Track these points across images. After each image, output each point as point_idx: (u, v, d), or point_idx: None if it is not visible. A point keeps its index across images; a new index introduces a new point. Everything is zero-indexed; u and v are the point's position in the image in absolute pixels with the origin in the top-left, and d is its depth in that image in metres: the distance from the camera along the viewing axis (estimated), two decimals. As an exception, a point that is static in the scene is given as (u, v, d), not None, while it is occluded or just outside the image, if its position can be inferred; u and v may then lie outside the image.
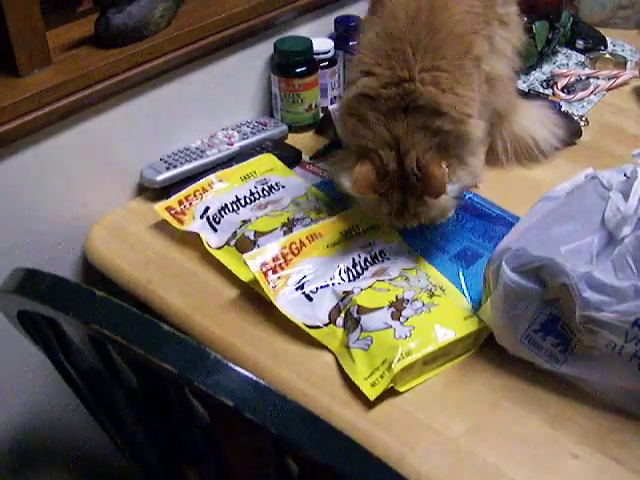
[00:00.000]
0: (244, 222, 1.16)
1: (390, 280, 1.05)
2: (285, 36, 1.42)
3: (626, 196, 0.94)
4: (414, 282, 1.05)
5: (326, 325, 1.01)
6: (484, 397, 0.95)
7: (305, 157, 1.35)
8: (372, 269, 1.08)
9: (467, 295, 1.06)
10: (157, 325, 0.73)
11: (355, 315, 0.99)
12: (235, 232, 1.15)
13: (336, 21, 1.50)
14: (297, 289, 1.03)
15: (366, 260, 1.09)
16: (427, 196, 1.02)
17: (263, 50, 1.42)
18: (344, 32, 1.48)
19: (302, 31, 1.47)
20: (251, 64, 1.41)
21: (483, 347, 1.00)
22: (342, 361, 0.98)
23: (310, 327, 1.01)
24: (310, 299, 1.03)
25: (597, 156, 1.35)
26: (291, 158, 1.33)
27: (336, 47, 1.45)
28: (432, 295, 1.02)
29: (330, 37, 1.49)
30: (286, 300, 1.02)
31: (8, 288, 0.83)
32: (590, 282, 0.88)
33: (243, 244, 1.12)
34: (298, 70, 1.38)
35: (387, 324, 0.98)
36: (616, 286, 0.88)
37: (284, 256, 1.06)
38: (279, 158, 1.30)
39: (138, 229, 1.22)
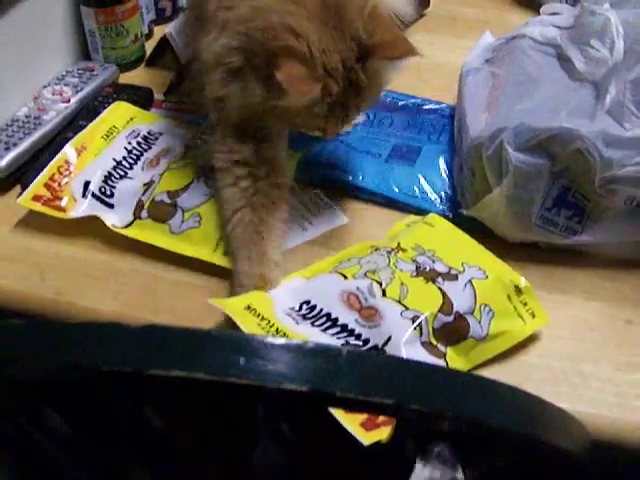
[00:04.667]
0: (146, 186, 0.94)
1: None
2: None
3: (603, 42, 0.86)
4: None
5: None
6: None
7: (158, 95, 1.13)
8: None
9: (431, 198, 0.95)
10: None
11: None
12: (140, 201, 0.93)
13: None
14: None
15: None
16: (389, 56, 0.86)
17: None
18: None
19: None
20: (48, 3, 1.13)
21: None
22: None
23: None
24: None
25: (454, 22, 1.27)
26: (143, 100, 1.10)
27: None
28: None
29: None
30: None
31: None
32: (606, 140, 0.81)
33: (159, 211, 0.91)
34: (118, -5, 1.13)
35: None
36: (632, 137, 0.81)
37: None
38: (131, 103, 1.07)
39: (5, 236, 0.95)
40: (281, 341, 0.54)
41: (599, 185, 0.82)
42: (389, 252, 0.84)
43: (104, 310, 0.86)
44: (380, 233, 0.91)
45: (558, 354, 0.81)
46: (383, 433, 0.65)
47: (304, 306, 0.81)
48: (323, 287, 0.83)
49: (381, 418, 0.67)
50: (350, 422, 0.69)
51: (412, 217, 0.93)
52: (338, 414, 0.70)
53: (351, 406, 0.55)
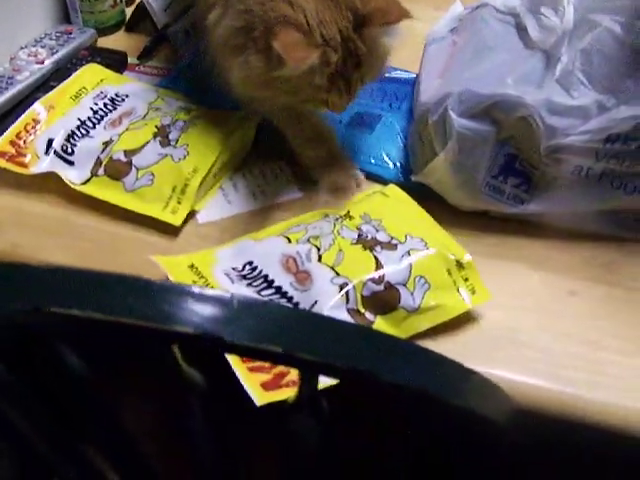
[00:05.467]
0: (105, 144, 0.95)
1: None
2: None
3: (556, 10, 0.85)
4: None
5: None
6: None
7: (132, 59, 1.14)
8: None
9: (388, 165, 0.95)
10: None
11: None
12: (98, 159, 0.94)
13: None
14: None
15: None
16: (385, 22, 0.85)
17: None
18: None
19: None
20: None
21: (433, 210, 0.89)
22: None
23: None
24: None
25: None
26: (117, 63, 1.12)
27: None
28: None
29: None
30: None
31: None
32: (550, 107, 0.81)
33: (115, 169, 0.93)
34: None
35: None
36: (577, 105, 0.81)
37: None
38: (104, 66, 1.09)
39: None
40: (173, 285, 0.55)
41: (544, 154, 0.82)
42: (337, 219, 0.85)
43: (58, 264, 0.88)
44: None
45: (497, 322, 0.81)
46: (284, 394, 0.66)
47: (247, 267, 0.82)
48: (267, 250, 0.84)
49: (287, 379, 0.68)
50: (249, 380, 0.70)
51: (375, 187, 0.94)
52: (239, 370, 0.71)
53: (241, 352, 0.56)
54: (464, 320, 0.80)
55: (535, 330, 0.80)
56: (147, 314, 0.52)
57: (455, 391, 0.61)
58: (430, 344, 0.78)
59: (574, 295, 0.84)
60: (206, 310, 0.52)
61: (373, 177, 0.95)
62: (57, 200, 0.95)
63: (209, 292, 0.55)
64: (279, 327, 0.54)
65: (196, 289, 0.53)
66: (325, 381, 0.60)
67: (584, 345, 0.79)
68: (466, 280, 0.80)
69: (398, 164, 0.94)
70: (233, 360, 0.70)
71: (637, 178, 0.83)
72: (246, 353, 0.57)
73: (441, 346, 0.78)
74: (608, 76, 0.81)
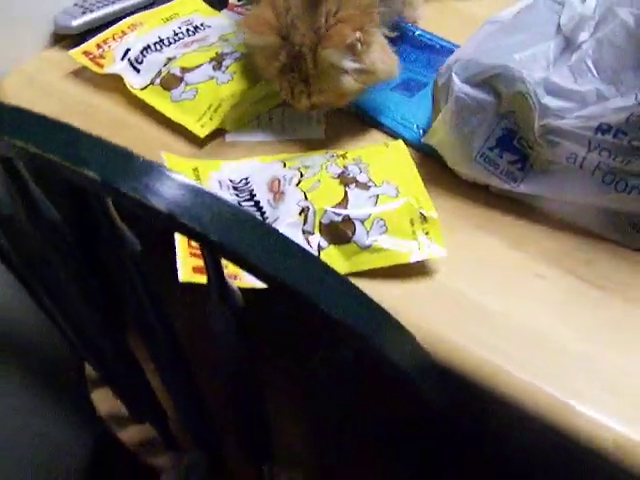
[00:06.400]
0: (169, 60, 1.06)
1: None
2: None
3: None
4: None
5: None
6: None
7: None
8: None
9: (412, 127, 0.99)
10: (75, 129, 0.64)
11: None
12: (160, 71, 1.05)
13: None
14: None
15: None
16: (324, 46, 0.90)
17: None
18: None
19: None
20: None
21: (431, 179, 0.92)
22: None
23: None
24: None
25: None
26: (219, 1, 1.22)
27: None
28: None
29: None
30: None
31: None
32: (548, 87, 0.83)
33: (169, 81, 1.03)
34: None
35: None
36: (576, 90, 0.82)
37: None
38: (205, 2, 1.20)
39: (54, 78, 1.11)
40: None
41: (539, 134, 0.84)
42: (332, 157, 0.91)
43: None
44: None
45: (451, 283, 0.83)
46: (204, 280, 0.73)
47: (242, 181, 0.90)
48: (264, 170, 0.91)
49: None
50: (184, 260, 0.77)
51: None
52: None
53: (130, 204, 0.63)
54: (418, 272, 0.84)
55: (486, 300, 0.82)
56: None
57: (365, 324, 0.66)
58: (378, 285, 0.82)
59: (541, 279, 0.84)
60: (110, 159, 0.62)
61: (396, 135, 0.99)
62: (118, 100, 1.06)
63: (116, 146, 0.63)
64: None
65: (111, 145, 0.62)
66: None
67: (530, 325, 0.80)
68: (427, 234, 0.83)
69: (422, 129, 0.98)
70: (180, 241, 0.79)
71: (630, 176, 0.83)
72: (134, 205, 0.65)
73: (387, 289, 0.82)
74: (614, 67, 0.81)
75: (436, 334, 0.79)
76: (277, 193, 0.86)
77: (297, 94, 0.94)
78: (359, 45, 0.89)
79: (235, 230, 0.62)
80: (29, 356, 1.41)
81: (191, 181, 0.62)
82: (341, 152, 0.92)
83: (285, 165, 0.90)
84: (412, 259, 0.82)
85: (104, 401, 1.26)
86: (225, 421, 0.95)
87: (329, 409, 0.87)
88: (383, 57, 0.94)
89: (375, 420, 1.04)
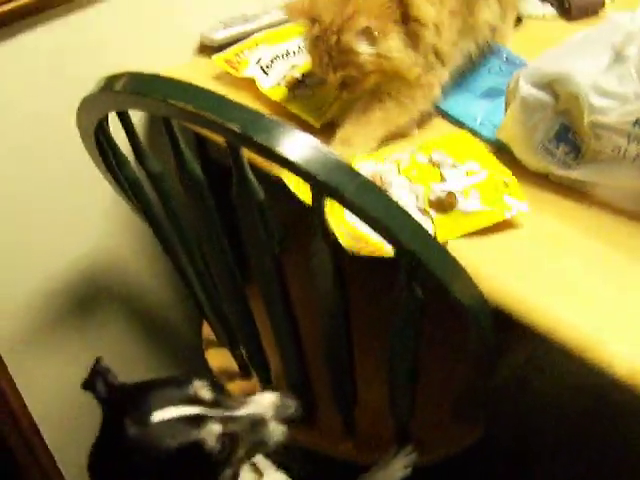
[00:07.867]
0: (293, 67, 1.30)
1: None
2: None
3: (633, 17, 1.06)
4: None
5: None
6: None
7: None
8: None
9: (490, 126, 1.19)
10: (222, 96, 0.88)
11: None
12: (285, 75, 1.29)
13: None
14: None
15: None
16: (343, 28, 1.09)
17: None
18: None
19: None
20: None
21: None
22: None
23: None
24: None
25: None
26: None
27: None
28: None
29: None
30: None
31: (95, 91, 0.98)
32: (597, 90, 1.01)
33: (290, 82, 1.28)
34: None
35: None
36: (619, 92, 1.00)
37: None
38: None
39: (199, 80, 1.36)
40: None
41: (588, 127, 1.02)
42: (412, 150, 1.12)
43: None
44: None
45: (532, 246, 1.01)
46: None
47: None
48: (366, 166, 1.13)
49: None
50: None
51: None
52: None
53: (260, 151, 0.85)
54: (507, 228, 1.03)
55: (563, 261, 0.98)
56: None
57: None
58: (478, 240, 1.02)
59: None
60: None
61: (474, 133, 1.19)
62: (250, 97, 1.30)
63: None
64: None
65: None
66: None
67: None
68: (510, 195, 1.03)
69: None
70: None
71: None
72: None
73: (483, 243, 1.02)
74: (653, 75, 1.00)
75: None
76: (383, 184, 1.07)
77: (324, 65, 1.13)
78: (375, 33, 1.08)
79: (339, 174, 0.84)
80: (157, 318, 1.66)
81: (308, 135, 0.84)
82: (418, 144, 1.13)
83: (376, 162, 1.11)
84: (506, 216, 1.01)
85: (215, 359, 1.49)
86: (318, 372, 1.17)
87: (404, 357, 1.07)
88: (401, 48, 1.11)
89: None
